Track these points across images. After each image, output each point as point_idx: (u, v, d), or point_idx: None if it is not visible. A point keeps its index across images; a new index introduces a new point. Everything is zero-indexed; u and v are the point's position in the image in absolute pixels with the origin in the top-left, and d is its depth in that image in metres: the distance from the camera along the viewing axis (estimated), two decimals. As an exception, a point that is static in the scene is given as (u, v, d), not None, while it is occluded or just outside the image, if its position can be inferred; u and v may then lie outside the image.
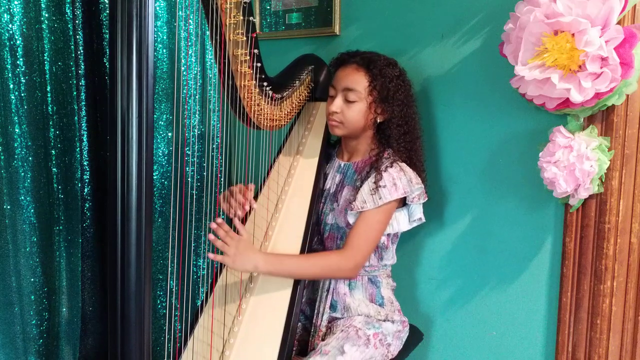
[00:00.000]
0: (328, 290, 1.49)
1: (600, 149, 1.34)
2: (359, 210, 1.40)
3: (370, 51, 1.51)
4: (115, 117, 0.78)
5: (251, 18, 1.22)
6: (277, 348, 1.26)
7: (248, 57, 1.27)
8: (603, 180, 1.37)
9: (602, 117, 1.37)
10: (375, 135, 1.52)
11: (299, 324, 1.52)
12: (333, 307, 1.49)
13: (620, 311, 1.44)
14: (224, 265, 1.42)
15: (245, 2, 1.19)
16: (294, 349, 1.44)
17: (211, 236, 1.28)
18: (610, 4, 1.19)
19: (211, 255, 1.28)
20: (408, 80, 1.51)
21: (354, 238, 1.41)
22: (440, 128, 1.67)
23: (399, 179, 1.41)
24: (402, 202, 1.48)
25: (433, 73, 1.66)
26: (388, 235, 1.49)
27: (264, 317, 1.32)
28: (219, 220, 1.29)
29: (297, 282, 1.38)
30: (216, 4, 1.14)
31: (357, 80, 1.45)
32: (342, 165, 1.56)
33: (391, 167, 1.43)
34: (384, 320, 1.48)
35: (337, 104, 1.47)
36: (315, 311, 1.50)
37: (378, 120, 1.48)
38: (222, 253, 1.29)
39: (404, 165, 1.46)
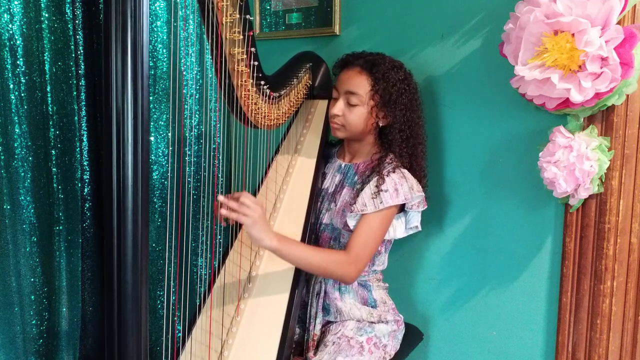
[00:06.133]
0: (319, 294, 1.49)
1: (600, 149, 1.33)
2: (359, 212, 1.40)
3: (376, 52, 1.50)
4: (110, 118, 0.78)
5: (248, 16, 1.21)
6: (275, 348, 1.26)
7: (245, 56, 1.27)
8: (603, 180, 1.37)
9: (602, 117, 1.36)
10: (377, 138, 1.51)
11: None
12: (326, 311, 1.49)
13: (620, 311, 1.44)
14: (223, 265, 1.42)
15: (241, 0, 1.19)
16: (293, 349, 1.44)
17: (223, 210, 1.21)
18: (610, 4, 1.19)
19: (233, 215, 1.22)
20: (414, 83, 1.50)
21: (356, 243, 1.39)
22: (440, 128, 1.67)
23: (401, 185, 1.40)
24: (401, 209, 1.47)
25: (433, 73, 1.66)
26: (382, 241, 1.47)
27: (263, 317, 1.32)
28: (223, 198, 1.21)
29: (295, 282, 1.37)
30: (212, 2, 1.13)
31: (359, 84, 1.44)
32: (343, 165, 1.56)
33: (393, 172, 1.42)
34: (377, 322, 1.47)
35: (339, 107, 1.47)
36: (308, 315, 1.49)
37: (380, 125, 1.47)
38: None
39: (405, 171, 1.45)
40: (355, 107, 1.45)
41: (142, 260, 0.84)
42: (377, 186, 1.40)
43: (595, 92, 1.23)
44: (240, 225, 1.48)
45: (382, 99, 1.43)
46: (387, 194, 1.39)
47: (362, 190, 1.42)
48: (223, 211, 1.22)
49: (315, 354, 1.40)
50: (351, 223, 1.42)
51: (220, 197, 1.21)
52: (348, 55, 1.52)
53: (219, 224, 1.43)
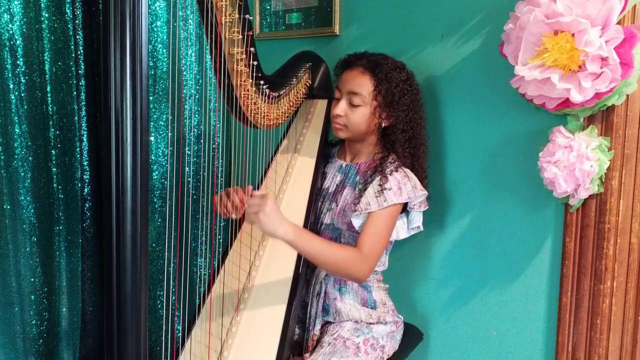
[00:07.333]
0: (319, 295, 1.49)
1: (600, 149, 1.33)
2: (363, 211, 1.39)
3: (378, 53, 1.50)
4: (109, 118, 0.78)
5: (247, 16, 1.21)
6: (275, 348, 1.26)
7: (244, 56, 1.27)
8: (603, 180, 1.37)
9: (602, 117, 1.36)
10: (379, 139, 1.51)
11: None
12: (326, 311, 1.49)
13: (620, 311, 1.44)
14: (222, 265, 1.42)
15: (240, 0, 1.19)
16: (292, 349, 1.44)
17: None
18: (610, 4, 1.19)
19: (251, 217, 1.24)
20: (416, 84, 1.50)
21: (366, 240, 1.38)
22: (440, 128, 1.67)
23: (404, 184, 1.41)
24: (403, 209, 1.47)
25: (433, 73, 1.66)
26: None
27: (262, 317, 1.32)
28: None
29: (295, 283, 1.37)
30: (211, 2, 1.13)
31: (362, 84, 1.44)
32: (344, 165, 1.56)
33: (396, 171, 1.42)
34: (376, 323, 1.47)
35: (341, 107, 1.46)
36: (308, 315, 1.49)
37: (383, 125, 1.47)
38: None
39: (408, 171, 1.45)
40: (358, 107, 1.45)
41: (141, 260, 0.84)
42: (380, 185, 1.40)
43: (595, 92, 1.23)
44: (240, 225, 1.48)
45: (384, 100, 1.43)
46: (391, 192, 1.39)
47: (365, 190, 1.42)
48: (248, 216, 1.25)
49: (311, 354, 1.39)
50: (357, 223, 1.42)
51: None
52: (350, 55, 1.52)
53: (219, 224, 1.43)
